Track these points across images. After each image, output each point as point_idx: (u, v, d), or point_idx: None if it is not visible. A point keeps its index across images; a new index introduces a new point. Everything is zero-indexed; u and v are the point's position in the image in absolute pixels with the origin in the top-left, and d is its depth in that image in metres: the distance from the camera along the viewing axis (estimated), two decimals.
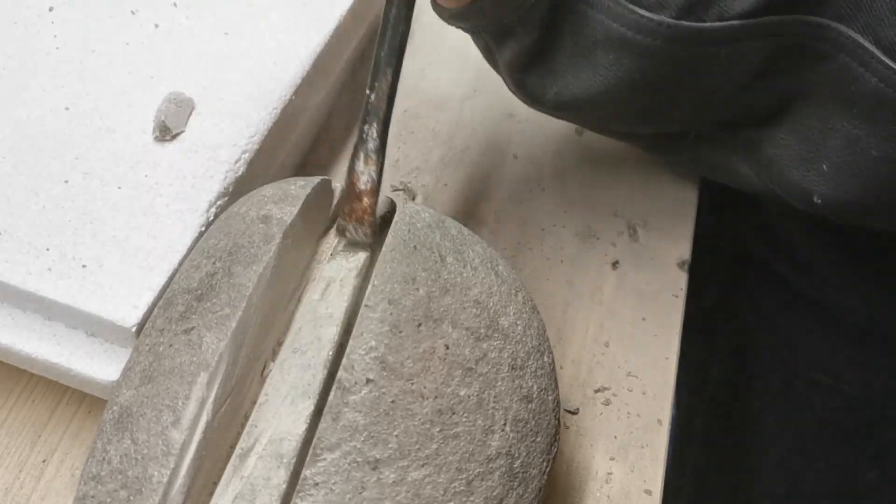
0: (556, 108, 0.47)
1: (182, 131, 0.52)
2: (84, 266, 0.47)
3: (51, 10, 0.57)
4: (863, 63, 0.40)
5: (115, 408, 0.40)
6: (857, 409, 0.70)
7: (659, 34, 0.41)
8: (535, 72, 0.46)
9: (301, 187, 0.46)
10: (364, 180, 0.44)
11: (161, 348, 0.41)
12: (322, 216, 0.48)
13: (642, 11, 0.41)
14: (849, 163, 0.43)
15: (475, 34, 0.47)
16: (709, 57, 0.42)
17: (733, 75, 0.43)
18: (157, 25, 0.57)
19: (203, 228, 0.49)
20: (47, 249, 0.47)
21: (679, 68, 0.43)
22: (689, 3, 0.41)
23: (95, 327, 0.47)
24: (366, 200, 0.45)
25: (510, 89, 0.48)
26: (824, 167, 0.44)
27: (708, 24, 0.41)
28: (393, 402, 0.38)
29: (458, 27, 0.46)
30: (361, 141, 0.44)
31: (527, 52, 0.45)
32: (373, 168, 0.44)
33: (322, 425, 0.37)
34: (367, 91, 0.44)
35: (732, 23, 0.41)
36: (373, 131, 0.44)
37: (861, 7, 0.40)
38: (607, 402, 0.54)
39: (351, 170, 0.45)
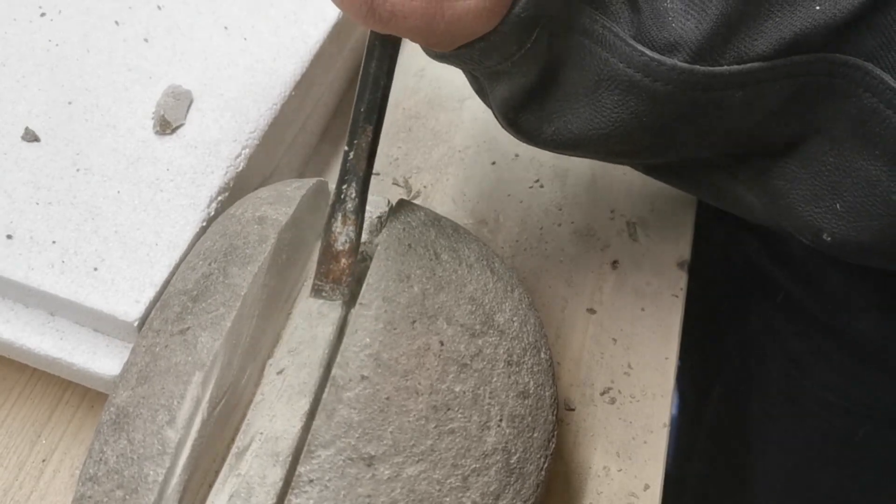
0: (552, 146, 0.44)
1: (182, 124, 0.53)
2: (86, 261, 0.47)
3: (42, 15, 0.57)
4: (890, 104, 0.37)
5: (112, 409, 0.41)
6: (864, 429, 0.69)
7: (671, 79, 0.38)
8: (531, 111, 0.43)
9: (296, 188, 0.47)
10: (342, 240, 0.43)
11: (157, 349, 0.41)
12: (318, 217, 0.48)
13: (652, 53, 0.38)
14: (865, 204, 0.40)
15: (467, 73, 0.45)
16: (723, 100, 0.39)
17: (748, 115, 0.40)
18: (156, 21, 0.57)
19: (204, 224, 0.49)
20: (50, 245, 0.48)
21: (689, 112, 0.40)
22: (705, 44, 0.37)
23: (98, 322, 0.47)
24: (343, 261, 0.43)
25: (501, 126, 0.45)
26: (838, 206, 0.41)
27: (725, 68, 0.38)
28: (387, 398, 0.38)
29: (448, 64, 0.43)
30: (339, 200, 0.43)
31: (522, 91, 0.42)
32: (351, 228, 0.43)
33: (316, 422, 0.37)
34: (346, 148, 0.43)
35: (752, 65, 0.38)
36: (351, 191, 0.43)
37: (892, 46, 0.37)
38: (607, 401, 0.54)
39: (328, 230, 0.43)
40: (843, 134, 0.40)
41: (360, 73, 0.42)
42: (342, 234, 0.43)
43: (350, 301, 0.43)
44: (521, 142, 0.45)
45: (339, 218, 0.43)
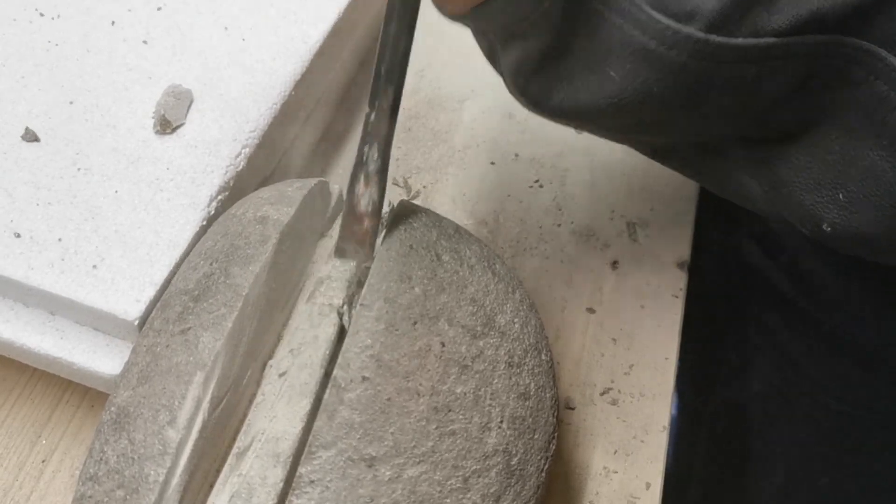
0: (559, 115, 0.44)
1: (182, 124, 0.53)
2: (86, 260, 0.47)
3: (42, 15, 0.57)
4: None
5: (112, 409, 0.41)
6: (861, 432, 0.69)
7: (685, 49, 0.37)
8: (541, 76, 0.42)
9: (298, 189, 0.47)
10: (364, 202, 0.43)
11: (158, 349, 0.41)
12: (319, 217, 0.48)
13: (668, 21, 0.37)
14: (869, 195, 0.40)
15: (479, 34, 0.44)
16: (735, 75, 0.38)
17: (758, 95, 0.40)
18: (156, 21, 0.57)
19: (204, 223, 0.49)
20: (50, 244, 0.48)
21: (700, 85, 0.39)
22: (722, 15, 0.36)
23: (98, 321, 0.47)
24: (367, 222, 0.43)
25: (510, 91, 0.44)
26: (840, 196, 0.41)
27: (741, 41, 0.37)
28: (388, 399, 0.38)
29: (462, 24, 0.43)
30: (361, 163, 0.43)
31: (535, 55, 0.41)
32: (374, 190, 0.43)
33: (317, 423, 0.37)
34: (368, 109, 0.42)
35: (768, 40, 0.37)
36: (373, 152, 0.43)
37: None
38: (607, 402, 0.54)
39: (351, 192, 0.43)
40: (851, 122, 0.40)
41: (381, 33, 0.41)
42: (364, 195, 0.43)
43: (351, 302, 0.43)
44: (528, 109, 0.44)
45: (362, 179, 0.43)
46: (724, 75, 0.39)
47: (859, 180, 0.40)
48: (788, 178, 0.43)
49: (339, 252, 0.44)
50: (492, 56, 0.45)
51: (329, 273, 0.45)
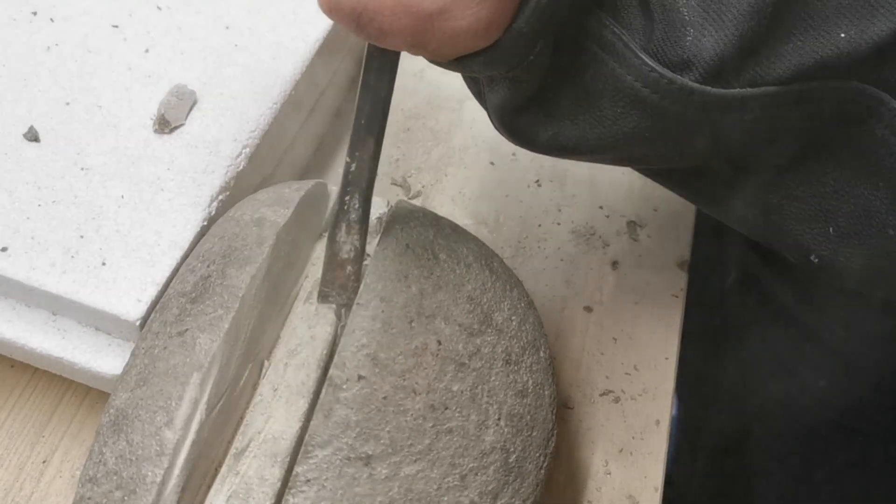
0: (546, 151, 0.43)
1: (182, 124, 0.53)
2: (88, 261, 0.47)
3: (35, 14, 0.57)
4: None
5: (111, 411, 0.41)
6: (864, 447, 0.69)
7: (679, 98, 0.36)
8: (529, 114, 0.41)
9: (295, 190, 0.47)
10: (346, 249, 0.43)
11: (156, 351, 0.41)
12: (317, 218, 0.48)
13: (663, 70, 0.36)
14: (859, 233, 0.39)
15: (465, 77, 0.44)
16: (730, 121, 0.37)
17: (754, 135, 0.39)
18: (156, 21, 0.58)
19: (205, 223, 0.49)
20: (52, 245, 0.48)
21: (693, 130, 0.38)
22: (719, 65, 0.35)
23: (100, 321, 0.48)
24: (349, 268, 0.43)
25: (495, 127, 0.44)
26: (830, 230, 0.40)
27: (738, 91, 0.36)
28: (385, 398, 0.38)
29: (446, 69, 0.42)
30: (343, 211, 0.43)
31: (521, 97, 0.40)
32: (355, 237, 0.43)
33: (313, 422, 0.38)
34: (347, 159, 0.42)
35: (766, 89, 0.36)
36: (354, 202, 0.42)
37: None
38: (607, 402, 0.54)
39: (332, 239, 0.43)
40: (847, 159, 0.39)
41: (360, 83, 0.41)
42: (347, 243, 0.43)
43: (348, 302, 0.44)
44: (515, 145, 0.44)
45: (343, 228, 0.43)
46: (718, 122, 0.37)
47: (851, 217, 0.39)
48: (780, 207, 0.42)
49: (322, 297, 0.44)
50: (478, 94, 0.44)
51: None
